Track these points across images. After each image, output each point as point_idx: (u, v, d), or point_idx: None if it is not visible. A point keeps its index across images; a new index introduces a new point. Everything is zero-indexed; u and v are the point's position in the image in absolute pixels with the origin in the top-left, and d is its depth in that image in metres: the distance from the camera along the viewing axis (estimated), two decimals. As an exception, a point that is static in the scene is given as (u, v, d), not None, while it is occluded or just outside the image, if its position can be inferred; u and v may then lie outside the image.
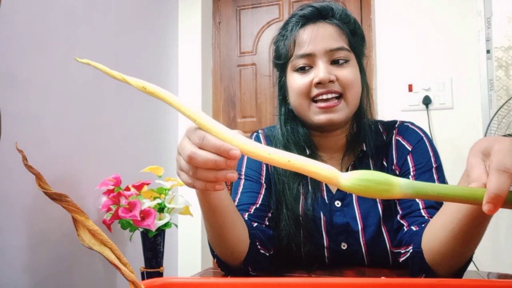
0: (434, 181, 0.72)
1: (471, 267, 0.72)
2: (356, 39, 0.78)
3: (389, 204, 0.74)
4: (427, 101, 1.85)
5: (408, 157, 0.76)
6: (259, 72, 2.32)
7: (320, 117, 0.74)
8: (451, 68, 1.85)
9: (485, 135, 1.64)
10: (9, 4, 1.14)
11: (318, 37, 0.74)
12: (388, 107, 1.92)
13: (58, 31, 1.36)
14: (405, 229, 0.68)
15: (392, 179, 0.37)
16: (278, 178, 0.79)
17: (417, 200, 0.70)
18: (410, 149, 0.77)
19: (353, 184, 0.37)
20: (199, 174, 0.45)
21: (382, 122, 0.85)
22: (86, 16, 1.50)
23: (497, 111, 1.64)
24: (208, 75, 2.37)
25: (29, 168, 0.33)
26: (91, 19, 1.53)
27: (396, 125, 0.82)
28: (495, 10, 1.77)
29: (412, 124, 0.82)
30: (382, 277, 0.48)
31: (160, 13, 2.09)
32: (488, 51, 1.79)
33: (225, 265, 0.69)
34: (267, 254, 0.72)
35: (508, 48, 1.75)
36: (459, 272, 0.61)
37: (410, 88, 1.89)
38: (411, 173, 0.74)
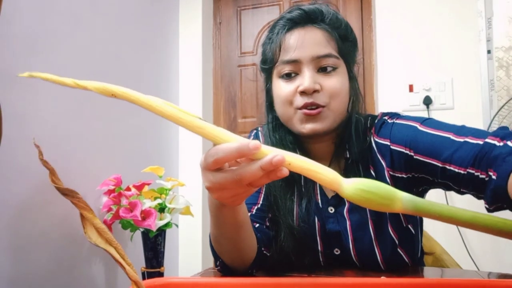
0: (430, 136, 0.65)
1: (471, 267, 0.71)
2: (347, 45, 0.74)
3: (381, 217, 0.71)
4: (427, 101, 1.85)
5: (393, 148, 0.70)
6: (259, 72, 2.32)
7: (304, 127, 0.71)
8: (452, 68, 1.85)
9: (486, 135, 1.64)
10: (10, 4, 1.15)
11: (305, 43, 0.70)
12: (388, 107, 1.92)
13: (58, 32, 1.36)
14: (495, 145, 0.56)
15: (395, 193, 0.36)
16: (269, 190, 0.76)
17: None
18: (388, 143, 0.71)
19: (354, 194, 0.36)
20: (262, 181, 0.41)
21: (370, 118, 0.79)
22: (86, 16, 1.50)
23: (497, 112, 1.64)
24: (209, 76, 2.37)
25: (45, 163, 0.34)
26: (91, 19, 1.53)
27: (374, 123, 0.77)
28: (496, 10, 1.77)
29: (389, 116, 0.76)
30: (382, 277, 0.48)
31: (160, 13, 2.09)
32: (488, 51, 1.79)
33: (229, 269, 0.68)
34: (268, 254, 0.72)
35: (509, 49, 1.75)
36: None
37: (411, 88, 1.89)
38: (411, 154, 0.67)
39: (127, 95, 0.39)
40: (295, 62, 0.70)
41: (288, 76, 0.72)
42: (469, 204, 0.59)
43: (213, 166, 0.41)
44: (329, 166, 0.74)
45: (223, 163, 0.41)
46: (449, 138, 0.63)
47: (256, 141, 0.38)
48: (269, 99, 0.79)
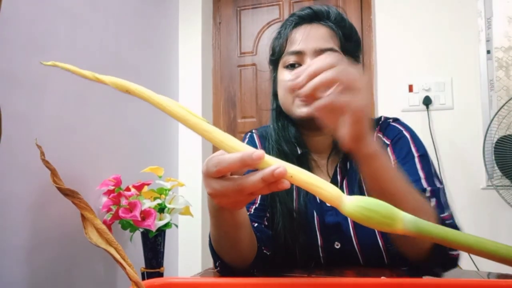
0: (416, 170, 0.71)
1: (471, 267, 0.72)
2: (350, 44, 0.78)
3: None
4: (427, 101, 1.85)
5: (388, 149, 0.76)
6: (260, 72, 2.32)
7: (302, 110, 0.74)
8: (451, 69, 1.85)
9: (486, 136, 1.64)
10: (10, 4, 1.15)
11: (310, 37, 0.75)
12: (388, 107, 1.92)
13: (58, 31, 1.36)
14: None
15: (397, 213, 0.35)
16: None
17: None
18: (388, 142, 0.77)
19: (355, 211, 0.35)
20: (262, 191, 0.40)
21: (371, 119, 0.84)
22: (87, 16, 1.50)
23: (497, 112, 1.64)
24: (209, 76, 2.37)
25: (46, 163, 0.34)
26: (92, 19, 1.53)
27: (380, 122, 0.82)
28: (496, 11, 1.77)
29: (394, 120, 0.81)
30: (382, 277, 0.48)
31: (160, 13, 2.09)
32: (488, 52, 1.79)
33: (229, 269, 0.68)
34: (268, 253, 0.72)
35: (509, 49, 1.75)
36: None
37: (411, 89, 1.89)
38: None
39: (140, 92, 0.40)
40: (299, 54, 0.76)
41: (292, 66, 0.77)
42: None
43: (215, 175, 0.41)
44: (328, 158, 0.79)
45: (226, 173, 0.41)
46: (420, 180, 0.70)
47: (260, 151, 0.38)
48: (274, 87, 0.85)
